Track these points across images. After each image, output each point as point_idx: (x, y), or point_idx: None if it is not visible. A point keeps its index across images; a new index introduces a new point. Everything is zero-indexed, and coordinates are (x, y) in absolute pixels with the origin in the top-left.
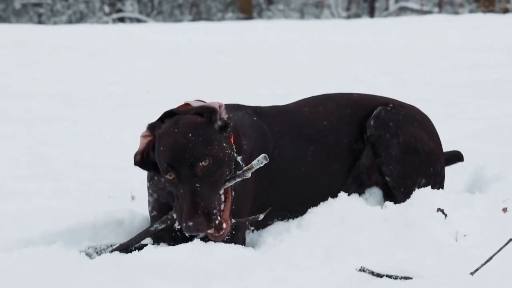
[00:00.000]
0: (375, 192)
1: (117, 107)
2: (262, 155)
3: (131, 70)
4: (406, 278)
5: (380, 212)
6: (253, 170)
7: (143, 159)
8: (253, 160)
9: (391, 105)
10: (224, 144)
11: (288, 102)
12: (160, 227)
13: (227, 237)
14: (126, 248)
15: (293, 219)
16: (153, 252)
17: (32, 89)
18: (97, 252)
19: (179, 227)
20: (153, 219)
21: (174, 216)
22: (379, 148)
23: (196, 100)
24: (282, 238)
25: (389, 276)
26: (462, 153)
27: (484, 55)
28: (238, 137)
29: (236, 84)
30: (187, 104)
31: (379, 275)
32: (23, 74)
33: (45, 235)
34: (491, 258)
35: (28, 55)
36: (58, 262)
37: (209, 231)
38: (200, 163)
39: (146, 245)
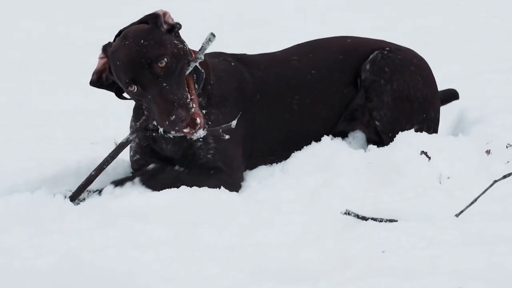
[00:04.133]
0: (358, 136)
1: None
2: (210, 32)
3: (118, 15)
4: (391, 220)
5: (363, 156)
6: (204, 51)
7: (100, 79)
8: (224, 102)
9: (387, 48)
10: (175, 41)
11: (271, 48)
12: (131, 138)
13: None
14: (101, 169)
15: (276, 163)
16: (139, 198)
17: (12, 35)
18: (70, 191)
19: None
20: (135, 163)
21: (144, 118)
22: (372, 93)
23: None
24: (266, 182)
25: (374, 219)
26: None
27: None
28: (207, 78)
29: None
30: None
31: (364, 218)
32: (1, 19)
33: (29, 182)
34: (475, 200)
35: None
36: (43, 209)
37: (185, 130)
38: (158, 64)
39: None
